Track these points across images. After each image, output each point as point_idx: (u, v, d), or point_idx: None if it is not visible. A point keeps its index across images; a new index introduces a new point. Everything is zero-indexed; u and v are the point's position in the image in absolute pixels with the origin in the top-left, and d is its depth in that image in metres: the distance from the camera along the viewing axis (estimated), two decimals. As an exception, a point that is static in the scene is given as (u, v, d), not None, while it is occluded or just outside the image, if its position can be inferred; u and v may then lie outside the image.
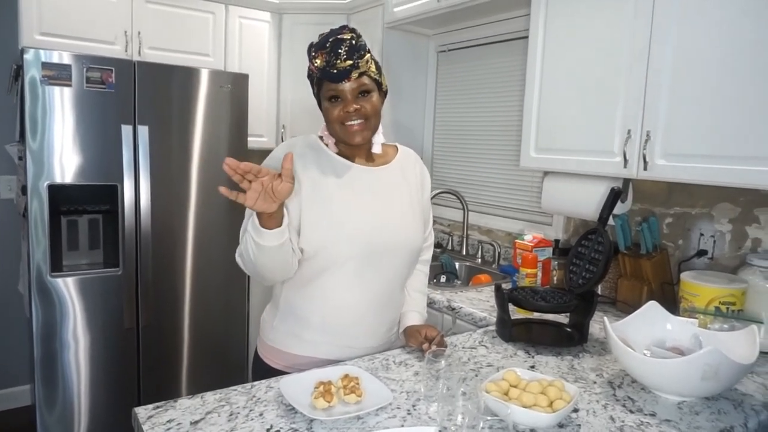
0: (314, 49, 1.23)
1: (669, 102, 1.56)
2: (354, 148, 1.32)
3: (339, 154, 1.33)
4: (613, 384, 1.27)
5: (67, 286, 2.28)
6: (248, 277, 2.90)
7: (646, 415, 1.13)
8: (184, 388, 2.62)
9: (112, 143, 2.32)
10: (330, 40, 1.20)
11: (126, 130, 2.34)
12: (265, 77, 3.06)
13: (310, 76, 1.28)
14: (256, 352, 1.44)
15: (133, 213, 2.38)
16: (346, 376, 1.17)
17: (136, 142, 2.36)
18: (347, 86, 1.21)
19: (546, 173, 2.10)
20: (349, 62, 1.19)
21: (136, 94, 2.35)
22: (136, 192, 2.38)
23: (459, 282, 2.57)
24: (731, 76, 1.42)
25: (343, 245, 1.26)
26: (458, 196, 2.72)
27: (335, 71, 1.19)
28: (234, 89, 2.63)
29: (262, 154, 3.50)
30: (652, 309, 1.38)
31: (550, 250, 2.03)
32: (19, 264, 2.70)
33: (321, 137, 1.36)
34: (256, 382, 1.21)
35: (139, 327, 2.44)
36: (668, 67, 1.56)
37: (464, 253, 2.75)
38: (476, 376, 1.29)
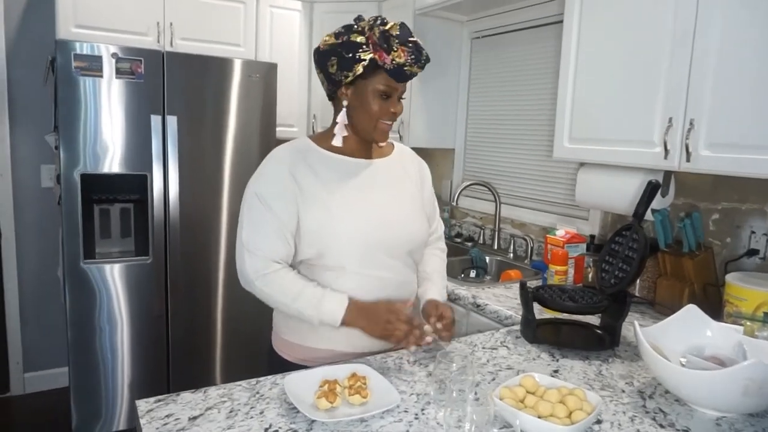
0: (397, 42, 1.17)
1: (714, 88, 1.43)
2: (361, 143, 1.30)
3: (340, 150, 1.28)
4: (643, 394, 1.17)
5: (100, 273, 2.33)
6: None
7: (677, 431, 1.03)
8: (214, 376, 2.65)
9: (142, 133, 2.34)
10: (411, 40, 1.18)
11: (155, 120, 2.35)
12: (296, 67, 3.03)
13: (355, 59, 1.17)
14: (270, 346, 1.41)
15: (162, 202, 2.41)
16: (354, 375, 1.12)
17: (165, 132, 2.38)
18: (400, 88, 1.22)
19: (581, 164, 1.98)
20: (420, 71, 1.21)
21: (165, 84, 2.37)
22: (165, 182, 2.40)
23: (489, 277, 2.48)
24: (788, 57, 1.28)
25: (347, 245, 1.24)
26: (490, 187, 2.62)
27: (408, 73, 1.18)
28: (263, 79, 2.61)
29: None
30: (690, 313, 1.26)
31: (584, 246, 1.91)
32: (59, 250, 2.79)
33: (311, 136, 1.32)
34: (262, 378, 1.17)
35: (168, 315, 2.48)
36: (714, 50, 1.42)
37: (496, 247, 2.65)
38: (493, 380, 1.21)
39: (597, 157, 1.78)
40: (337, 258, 1.24)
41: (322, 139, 1.31)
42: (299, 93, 3.06)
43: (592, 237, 2.03)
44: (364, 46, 1.17)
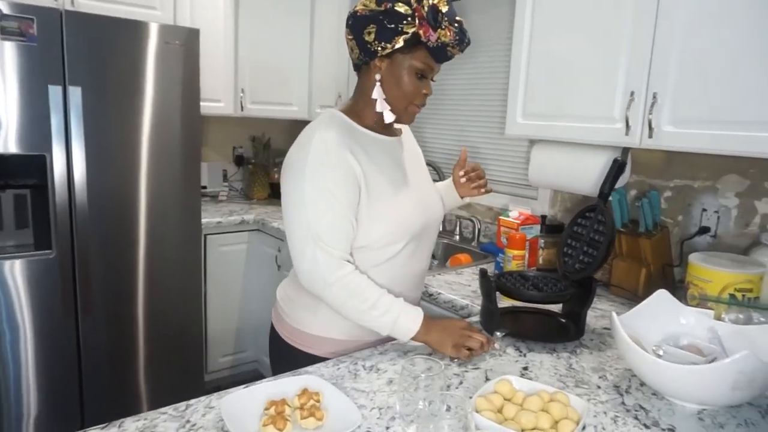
0: (446, 19, 1.08)
1: (681, 60, 1.35)
2: (384, 122, 1.19)
3: (373, 128, 1.20)
4: (620, 389, 1.09)
5: (-8, 271, 1.99)
6: (204, 257, 2.64)
7: (664, 430, 0.94)
8: (137, 386, 2.37)
9: (38, 107, 2.00)
10: (458, 20, 1.11)
11: (54, 91, 2.01)
12: (222, 34, 2.74)
13: (397, 31, 1.07)
14: (286, 342, 1.27)
15: (65, 187, 2.08)
16: (305, 391, 0.95)
17: (66, 106, 2.04)
18: (437, 69, 1.16)
19: (533, 142, 1.88)
20: (459, 54, 1.14)
21: (65, 49, 2.02)
22: (69, 163, 2.07)
23: (436, 262, 2.37)
24: (749, 32, 1.21)
25: (404, 230, 1.17)
26: (434, 167, 2.50)
27: (449, 54, 1.12)
28: (184, 47, 2.31)
29: (218, 121, 3.24)
30: (661, 299, 1.19)
31: (538, 227, 1.83)
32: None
33: (344, 111, 1.20)
34: (193, 401, 0.98)
35: (78, 316, 2.17)
36: (681, 19, 1.34)
37: (441, 229, 2.54)
38: (461, 383, 1.08)
39: (553, 133, 1.68)
40: (397, 242, 1.17)
41: (355, 114, 1.19)
42: (225, 64, 2.77)
43: (543, 217, 1.95)
44: (409, 18, 1.07)
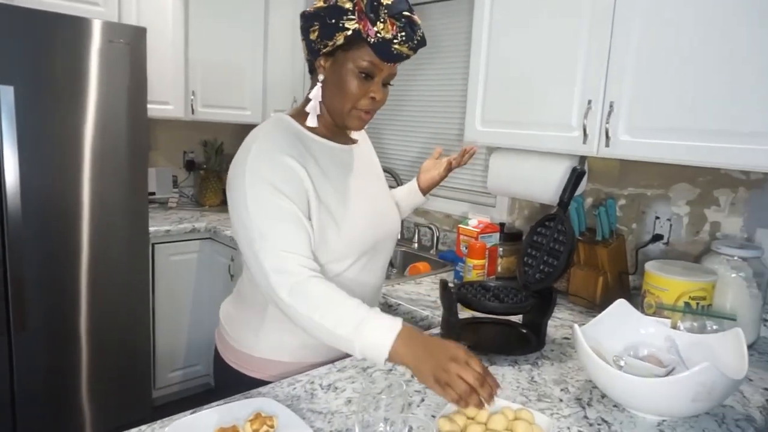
0: (386, 12, 0.97)
1: (637, 69, 1.36)
2: (336, 127, 1.13)
3: (323, 133, 1.12)
4: (581, 401, 1.07)
5: None
6: (153, 268, 2.51)
7: (627, 444, 0.93)
8: (76, 402, 2.22)
9: (-36, 107, 1.85)
10: (405, 15, 0.99)
11: (-17, 90, 1.87)
12: (171, 34, 2.62)
13: (338, 27, 0.98)
14: (231, 367, 1.17)
15: (-4, 194, 1.93)
16: (257, 416, 0.89)
17: (-3, 106, 1.90)
18: (386, 70, 1.03)
19: (493, 150, 1.88)
20: (411, 53, 1.02)
21: (-5, 45, 1.88)
22: (0, 167, 1.92)
23: (395, 270, 2.33)
24: (701, 42, 1.23)
25: (353, 246, 1.09)
26: (392, 173, 2.46)
27: (395, 52, 0.99)
28: (129, 46, 2.19)
29: (167, 124, 3.10)
30: (621, 309, 1.19)
31: (498, 236, 1.82)
32: None
33: (291, 115, 1.11)
34: (132, 430, 0.89)
35: (11, 333, 2.01)
36: (636, 29, 1.35)
37: (400, 237, 2.50)
38: (423, 401, 1.04)
39: (512, 141, 1.67)
40: (346, 256, 1.09)
41: (305, 119, 1.09)
42: (175, 65, 2.66)
43: (502, 225, 1.95)
44: (350, 14, 0.98)
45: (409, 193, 1.43)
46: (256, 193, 0.99)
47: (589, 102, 1.46)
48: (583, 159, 1.62)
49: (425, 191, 1.44)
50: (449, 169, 1.44)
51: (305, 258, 0.98)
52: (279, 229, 0.98)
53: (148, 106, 2.30)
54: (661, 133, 1.32)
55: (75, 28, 2.05)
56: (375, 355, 0.89)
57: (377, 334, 0.88)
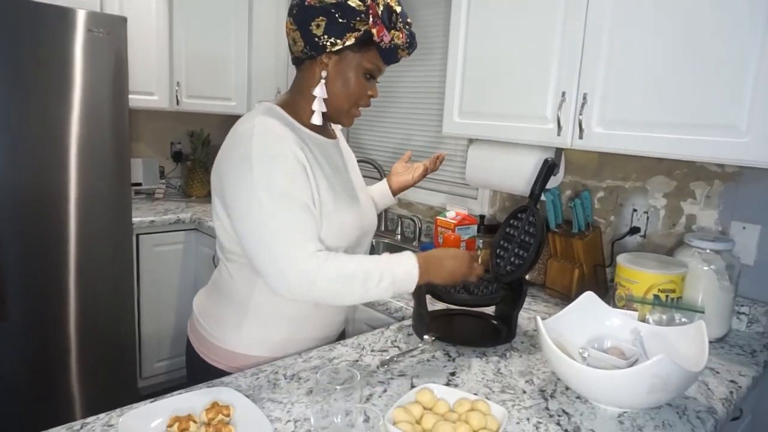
0: (400, 20, 1.04)
1: (608, 61, 1.36)
2: (323, 122, 1.12)
3: (312, 127, 1.12)
4: (545, 393, 1.08)
5: None
6: (137, 258, 2.50)
7: (584, 435, 0.94)
8: (63, 393, 2.23)
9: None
10: (409, 23, 1.07)
11: (-39, 80, 1.86)
12: (154, 23, 2.60)
13: (349, 27, 1.00)
14: (206, 362, 1.18)
15: (-26, 185, 1.92)
16: (214, 405, 0.89)
17: (-24, 97, 1.89)
18: (384, 70, 1.11)
19: (471, 141, 1.87)
20: (406, 57, 1.10)
21: (-28, 35, 1.87)
22: (-21, 159, 1.92)
23: (377, 261, 2.33)
24: (672, 35, 1.23)
25: (339, 239, 1.09)
26: (375, 165, 2.46)
27: (398, 57, 1.08)
28: (110, 36, 2.18)
29: (153, 115, 3.09)
30: (588, 301, 1.19)
31: (475, 228, 1.82)
32: None
33: (281, 106, 1.11)
34: (89, 419, 0.90)
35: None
36: (607, 22, 1.35)
37: (383, 228, 2.50)
38: (385, 391, 1.05)
39: (488, 132, 1.67)
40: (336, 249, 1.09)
41: (293, 111, 1.10)
42: (159, 55, 2.64)
43: (482, 217, 1.95)
44: (362, 15, 1.00)
45: (380, 194, 1.44)
46: (264, 186, 0.97)
47: (563, 94, 1.45)
48: (559, 151, 1.62)
49: (396, 193, 1.46)
50: (424, 174, 1.46)
51: (316, 243, 1.00)
52: (290, 223, 0.98)
53: (133, 96, 2.29)
54: (632, 125, 1.32)
55: (55, 17, 2.03)
56: (409, 287, 1.04)
57: (403, 272, 1.03)
